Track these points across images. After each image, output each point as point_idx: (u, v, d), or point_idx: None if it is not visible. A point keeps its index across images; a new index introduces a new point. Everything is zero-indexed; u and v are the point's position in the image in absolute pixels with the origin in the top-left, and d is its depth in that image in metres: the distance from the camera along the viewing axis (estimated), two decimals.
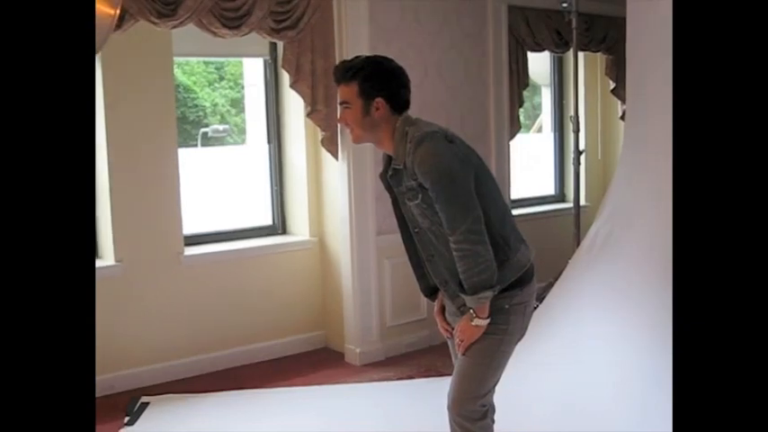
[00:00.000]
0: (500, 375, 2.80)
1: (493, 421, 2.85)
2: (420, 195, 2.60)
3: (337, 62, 4.86)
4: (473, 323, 2.63)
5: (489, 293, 2.57)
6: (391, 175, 2.72)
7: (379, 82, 2.64)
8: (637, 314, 3.97)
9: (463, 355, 2.73)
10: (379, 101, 2.63)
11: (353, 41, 4.95)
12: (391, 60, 2.75)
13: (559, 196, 7.08)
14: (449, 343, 3.03)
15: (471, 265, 2.55)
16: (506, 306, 2.70)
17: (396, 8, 5.10)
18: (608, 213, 4.53)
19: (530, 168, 7.37)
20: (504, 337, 2.71)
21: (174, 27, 4.28)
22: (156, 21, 4.16)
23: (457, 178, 2.57)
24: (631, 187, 4.38)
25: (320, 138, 5.01)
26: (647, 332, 3.82)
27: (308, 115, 4.91)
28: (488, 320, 2.63)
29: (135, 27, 4.23)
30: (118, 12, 3.47)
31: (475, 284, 2.56)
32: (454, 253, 2.58)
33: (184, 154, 4.97)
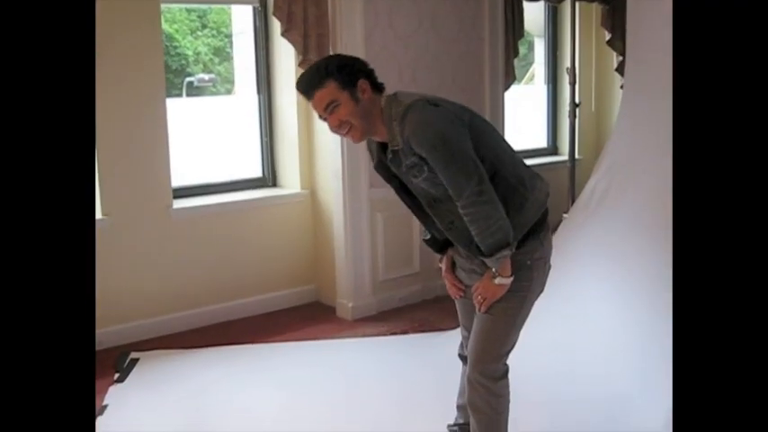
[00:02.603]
0: (520, 333, 2.75)
1: None
2: (425, 168, 2.52)
3: (329, 11, 4.76)
4: (496, 281, 2.56)
5: (507, 252, 2.51)
6: (391, 159, 2.63)
7: (350, 67, 2.59)
8: (634, 273, 3.85)
9: (485, 313, 2.66)
10: (362, 82, 2.56)
11: None
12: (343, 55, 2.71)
13: (552, 149, 6.97)
14: (457, 302, 2.96)
15: (483, 228, 2.48)
16: (528, 262, 2.64)
17: None
18: (605, 168, 4.41)
19: (522, 120, 7.24)
20: (527, 294, 2.68)
21: None
22: None
23: (451, 140, 2.50)
24: (631, 141, 4.25)
25: None
26: (646, 292, 3.71)
27: (300, 64, 4.73)
28: (512, 278, 2.56)
29: None
30: None
31: (490, 246, 2.49)
32: (465, 218, 2.50)
33: (170, 104, 4.79)
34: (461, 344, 3.04)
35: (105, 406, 3.72)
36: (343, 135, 2.62)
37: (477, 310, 2.70)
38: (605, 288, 4.00)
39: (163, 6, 4.73)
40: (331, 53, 4.77)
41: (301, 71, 4.81)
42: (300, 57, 4.71)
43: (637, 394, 3.42)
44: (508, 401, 2.78)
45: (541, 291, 2.76)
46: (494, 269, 2.54)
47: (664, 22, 4.05)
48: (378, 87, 2.61)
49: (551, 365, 3.79)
